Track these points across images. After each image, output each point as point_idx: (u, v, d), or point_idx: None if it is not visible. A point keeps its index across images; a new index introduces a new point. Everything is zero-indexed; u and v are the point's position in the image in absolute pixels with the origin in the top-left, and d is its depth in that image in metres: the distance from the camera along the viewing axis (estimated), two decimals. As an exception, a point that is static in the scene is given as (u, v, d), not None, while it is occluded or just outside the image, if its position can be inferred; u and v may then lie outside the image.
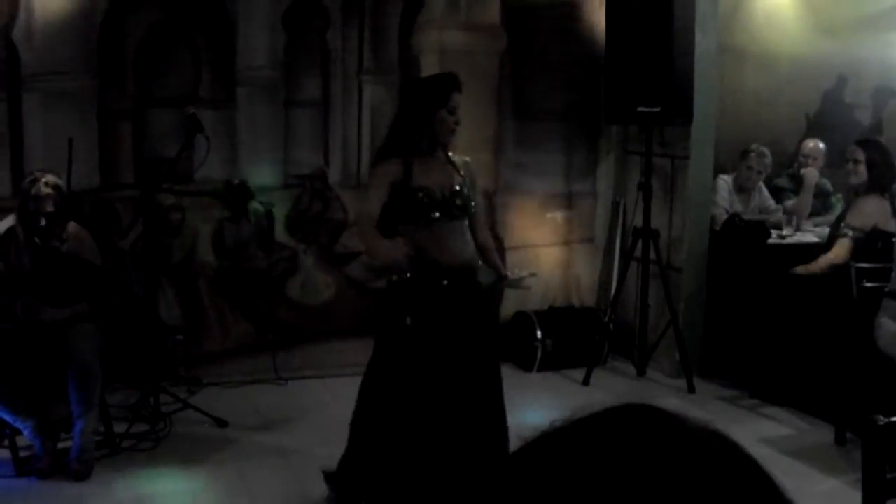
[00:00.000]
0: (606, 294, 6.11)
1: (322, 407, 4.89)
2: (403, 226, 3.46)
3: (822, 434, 4.59)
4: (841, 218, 4.95)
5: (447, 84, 3.52)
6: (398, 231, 3.47)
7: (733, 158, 5.90)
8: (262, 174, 5.39)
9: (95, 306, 4.14)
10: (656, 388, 5.46)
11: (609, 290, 6.06)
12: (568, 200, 6.12)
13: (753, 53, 6.40)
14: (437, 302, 3.43)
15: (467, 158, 3.66)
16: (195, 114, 4.58)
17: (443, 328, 3.44)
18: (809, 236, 5.58)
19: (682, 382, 5.36)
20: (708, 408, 4.93)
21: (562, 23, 5.92)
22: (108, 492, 3.85)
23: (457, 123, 3.50)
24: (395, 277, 3.47)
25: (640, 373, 5.68)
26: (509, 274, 3.80)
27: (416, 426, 3.45)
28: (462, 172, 3.56)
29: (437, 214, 3.44)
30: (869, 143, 4.93)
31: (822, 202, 6.08)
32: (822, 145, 6.09)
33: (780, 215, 5.80)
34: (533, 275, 3.87)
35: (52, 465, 3.94)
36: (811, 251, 5.04)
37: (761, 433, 4.60)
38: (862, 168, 4.78)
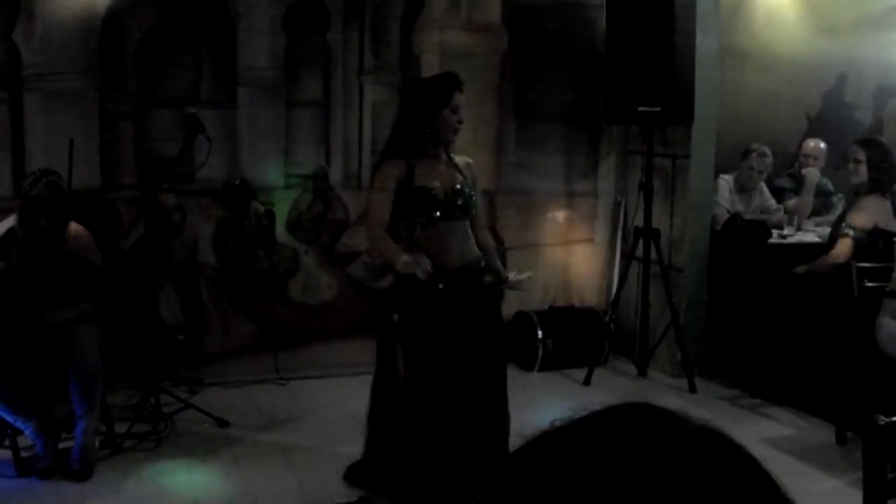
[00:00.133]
0: (607, 294, 6.12)
1: (323, 406, 4.90)
2: (404, 225, 3.47)
3: (823, 434, 4.59)
4: (842, 218, 4.95)
5: (449, 83, 3.52)
6: (398, 230, 3.47)
7: (734, 158, 5.89)
8: (262, 174, 5.40)
9: (98, 306, 4.14)
10: (657, 387, 5.46)
11: (610, 290, 6.06)
12: (569, 200, 6.12)
13: (754, 53, 6.40)
14: (433, 302, 3.42)
15: (469, 160, 3.66)
16: (196, 114, 4.58)
17: (442, 328, 3.44)
18: (810, 236, 5.58)
19: (683, 382, 5.37)
20: (709, 407, 4.93)
21: (563, 23, 5.92)
22: (110, 492, 3.84)
23: (460, 122, 3.50)
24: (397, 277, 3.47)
25: (641, 373, 5.68)
26: (509, 276, 3.80)
27: (417, 426, 3.45)
28: (464, 173, 3.56)
29: (439, 214, 3.44)
30: (870, 143, 4.92)
31: (822, 202, 6.08)
32: (822, 145, 6.09)
33: (781, 215, 5.80)
34: (529, 276, 3.88)
35: (54, 465, 3.94)
36: (812, 251, 5.05)
37: (762, 433, 4.60)
38: (863, 168, 4.77)
